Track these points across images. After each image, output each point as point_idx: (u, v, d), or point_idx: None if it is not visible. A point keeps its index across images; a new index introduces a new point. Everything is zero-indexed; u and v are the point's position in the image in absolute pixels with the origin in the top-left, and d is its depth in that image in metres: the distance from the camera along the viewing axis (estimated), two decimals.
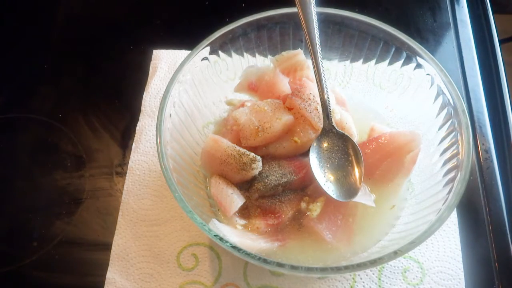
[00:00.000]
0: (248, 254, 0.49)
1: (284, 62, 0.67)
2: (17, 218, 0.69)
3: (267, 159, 0.61)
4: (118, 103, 0.80)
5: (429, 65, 0.62)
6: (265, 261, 0.48)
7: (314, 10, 0.59)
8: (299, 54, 0.67)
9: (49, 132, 0.77)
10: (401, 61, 0.65)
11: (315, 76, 0.59)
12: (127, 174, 0.71)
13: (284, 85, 0.66)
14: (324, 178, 0.58)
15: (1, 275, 0.65)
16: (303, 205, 0.60)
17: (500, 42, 0.85)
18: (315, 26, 0.59)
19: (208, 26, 0.65)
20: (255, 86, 0.67)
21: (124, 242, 0.65)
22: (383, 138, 0.62)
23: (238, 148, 0.60)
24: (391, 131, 0.64)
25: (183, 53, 0.82)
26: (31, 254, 0.66)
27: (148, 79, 0.80)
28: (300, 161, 0.62)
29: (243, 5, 0.88)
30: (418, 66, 0.63)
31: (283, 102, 0.63)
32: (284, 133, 0.62)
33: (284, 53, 0.67)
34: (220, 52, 0.66)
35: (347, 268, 0.49)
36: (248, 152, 0.59)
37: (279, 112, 0.61)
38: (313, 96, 0.62)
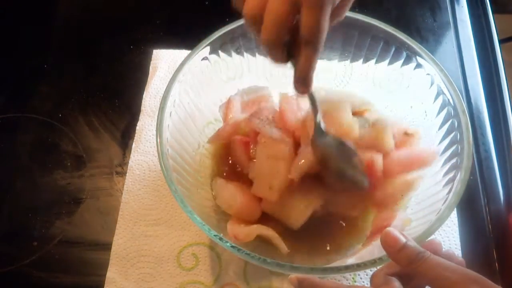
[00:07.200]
0: (248, 254, 0.49)
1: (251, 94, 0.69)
2: (17, 218, 0.69)
3: None
4: (118, 103, 0.80)
5: (429, 65, 0.62)
6: (265, 261, 0.48)
7: None
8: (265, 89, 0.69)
9: (49, 132, 0.77)
10: (401, 61, 0.65)
11: None
12: (127, 174, 0.71)
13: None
14: None
15: (1, 275, 0.65)
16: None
17: (500, 42, 0.84)
18: None
19: (208, 26, 0.65)
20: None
21: (124, 242, 0.65)
22: (409, 153, 0.62)
23: None
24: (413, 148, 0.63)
25: (183, 53, 0.81)
26: (31, 254, 0.66)
27: (148, 79, 0.80)
28: None
29: None
30: (418, 66, 0.63)
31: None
32: None
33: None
34: (220, 52, 0.66)
35: (347, 268, 0.49)
36: None
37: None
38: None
